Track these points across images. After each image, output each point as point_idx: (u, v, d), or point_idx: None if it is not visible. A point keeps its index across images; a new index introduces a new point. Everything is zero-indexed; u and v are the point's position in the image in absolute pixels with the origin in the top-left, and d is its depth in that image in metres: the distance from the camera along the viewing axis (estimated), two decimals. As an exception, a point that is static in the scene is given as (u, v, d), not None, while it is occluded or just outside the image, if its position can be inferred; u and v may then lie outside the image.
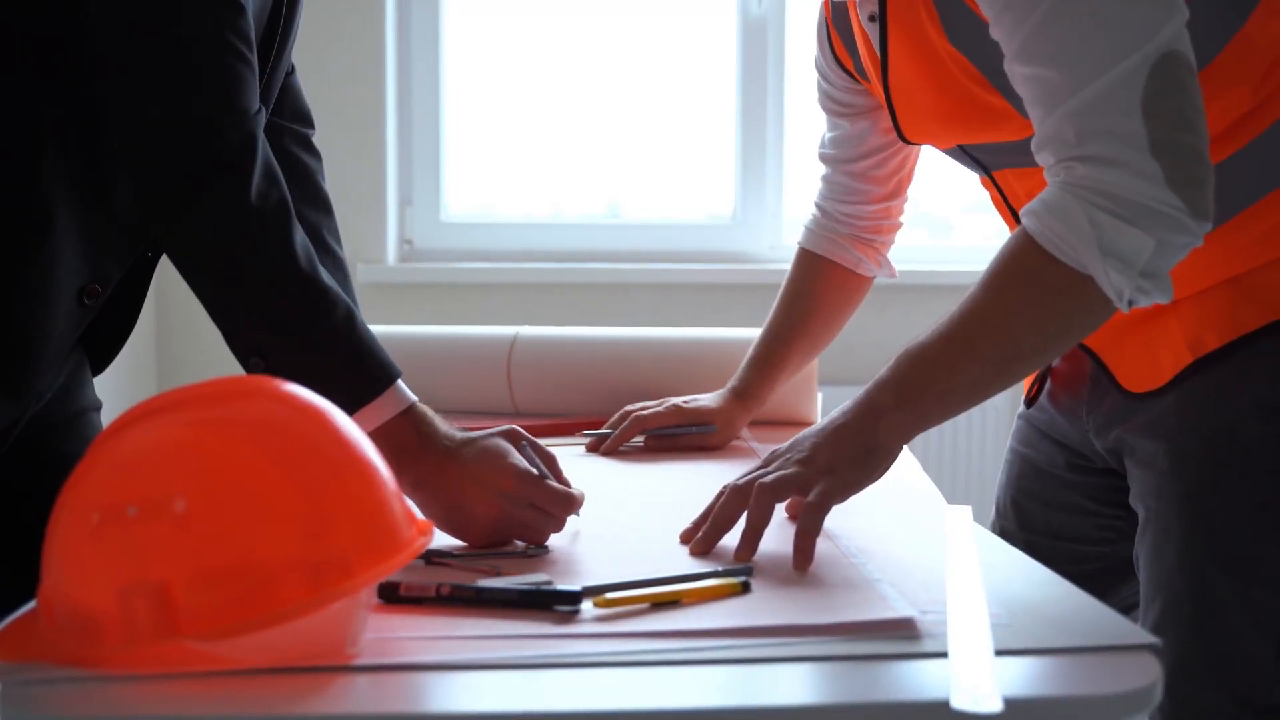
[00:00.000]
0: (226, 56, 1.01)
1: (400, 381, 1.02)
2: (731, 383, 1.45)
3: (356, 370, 1.00)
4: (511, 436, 1.04)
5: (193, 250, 1.02)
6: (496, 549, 0.99)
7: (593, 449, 1.40)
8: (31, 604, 0.79)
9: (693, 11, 2.74)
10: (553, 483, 1.02)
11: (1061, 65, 0.92)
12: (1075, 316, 0.95)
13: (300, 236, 1.03)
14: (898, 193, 1.44)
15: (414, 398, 1.02)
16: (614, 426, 1.42)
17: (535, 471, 1.01)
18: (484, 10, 2.74)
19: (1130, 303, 0.93)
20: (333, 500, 0.73)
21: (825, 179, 1.46)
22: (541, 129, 2.77)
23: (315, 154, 1.38)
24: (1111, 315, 0.95)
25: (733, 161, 2.73)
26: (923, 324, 2.02)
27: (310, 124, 1.39)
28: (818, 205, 1.47)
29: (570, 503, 1.01)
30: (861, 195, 1.43)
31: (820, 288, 1.46)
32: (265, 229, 1.01)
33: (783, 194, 2.72)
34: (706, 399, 1.44)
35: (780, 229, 2.72)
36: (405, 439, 1.00)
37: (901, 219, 1.47)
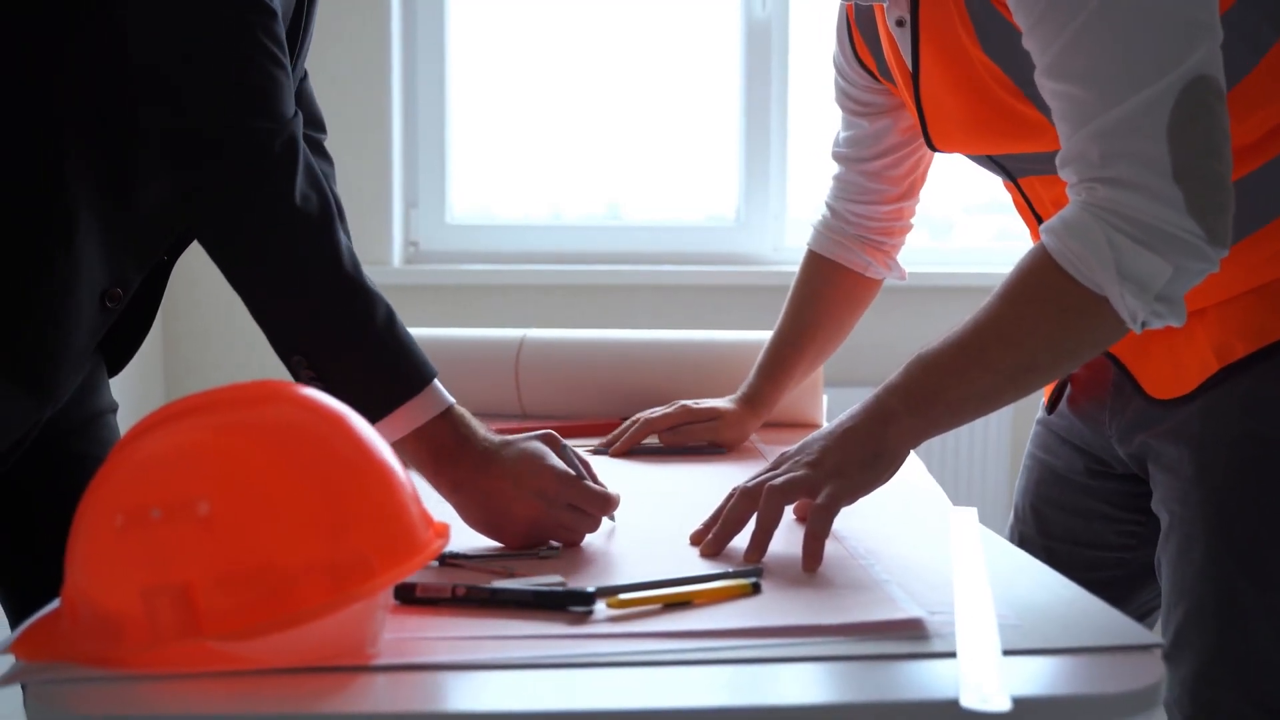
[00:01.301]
0: (263, 61, 1.02)
1: (437, 382, 1.03)
2: (741, 389, 1.46)
3: (396, 370, 1.01)
4: (549, 440, 1.05)
5: (238, 253, 1.04)
6: (531, 550, 1.00)
7: (602, 448, 1.41)
8: (54, 604, 0.80)
9: (697, 14, 2.75)
10: (591, 483, 1.04)
11: (1090, 84, 0.93)
12: (1088, 335, 0.96)
13: (344, 238, 1.04)
14: (910, 193, 1.44)
15: (451, 399, 1.03)
16: (625, 430, 1.43)
17: (574, 473, 1.03)
18: (489, 12, 2.75)
19: (1144, 325, 0.94)
20: (353, 503, 0.74)
21: (837, 178, 1.46)
22: (547, 131, 2.78)
23: (328, 159, 1.40)
24: (1124, 335, 0.96)
25: (736, 163, 2.74)
26: (924, 325, 2.03)
27: (323, 128, 1.40)
28: (828, 205, 1.47)
29: (608, 503, 1.04)
30: (875, 195, 1.42)
31: (828, 292, 1.46)
32: (311, 231, 1.02)
33: (786, 196, 2.73)
34: (718, 403, 1.45)
35: (784, 231, 2.73)
36: (444, 440, 1.01)
37: (912, 220, 1.47)
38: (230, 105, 1.02)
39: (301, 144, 1.04)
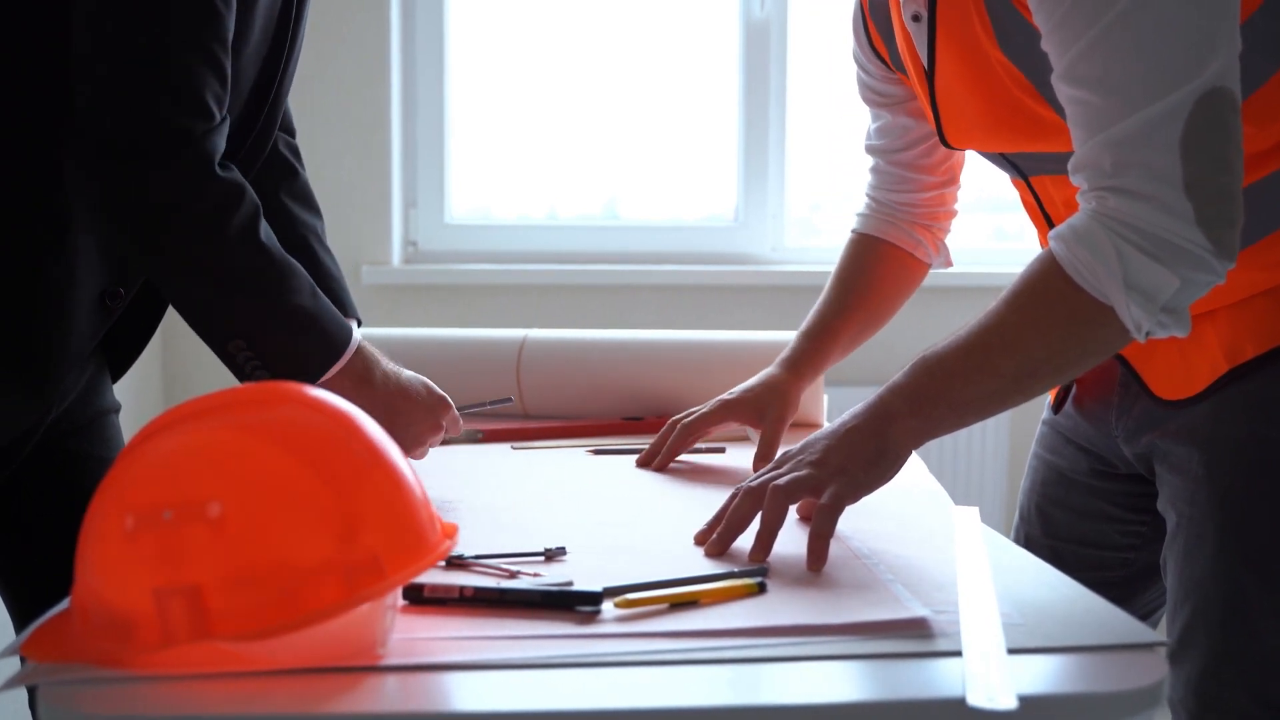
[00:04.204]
0: (198, 61, 1.04)
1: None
2: (783, 354, 1.39)
3: (327, 334, 1.13)
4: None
5: (172, 251, 1.07)
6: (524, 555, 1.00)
7: (643, 464, 1.33)
8: (63, 605, 0.81)
9: (695, 14, 2.76)
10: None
11: (1105, 92, 0.93)
12: (1092, 343, 0.96)
13: (265, 224, 1.09)
14: (951, 180, 1.40)
15: (359, 336, 1.18)
16: (663, 439, 1.34)
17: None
18: (489, 13, 2.75)
19: (1148, 335, 0.94)
20: (364, 503, 0.75)
21: (874, 170, 1.42)
22: (547, 131, 2.78)
23: (300, 159, 1.41)
24: (1129, 344, 0.96)
25: (735, 163, 2.74)
26: (920, 324, 2.02)
27: (293, 132, 1.41)
28: (869, 196, 1.43)
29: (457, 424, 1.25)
30: (913, 184, 1.39)
31: (877, 267, 1.42)
32: (243, 225, 1.07)
33: (785, 196, 2.73)
34: (754, 383, 1.37)
35: (782, 231, 2.73)
36: (360, 369, 1.16)
37: (957, 206, 1.43)
38: (158, 102, 1.03)
39: (222, 142, 1.07)
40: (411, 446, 1.21)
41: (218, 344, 1.09)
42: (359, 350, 1.16)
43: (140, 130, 1.03)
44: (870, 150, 1.42)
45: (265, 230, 1.09)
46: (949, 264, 1.45)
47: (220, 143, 1.07)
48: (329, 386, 1.13)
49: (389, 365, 1.20)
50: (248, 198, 1.08)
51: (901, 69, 1.27)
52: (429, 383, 1.23)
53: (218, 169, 1.06)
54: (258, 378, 1.10)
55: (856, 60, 1.36)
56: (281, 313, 1.10)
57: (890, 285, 1.43)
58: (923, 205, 1.40)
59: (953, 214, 1.44)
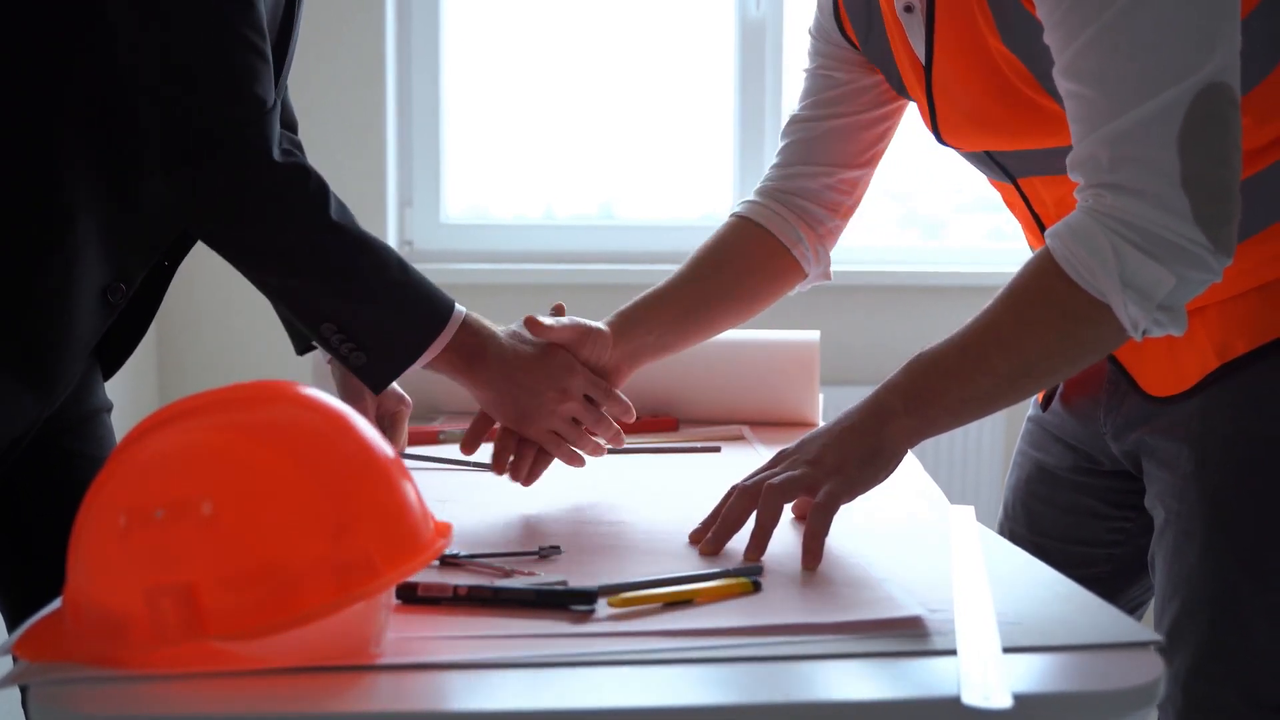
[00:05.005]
0: (244, 52, 1.04)
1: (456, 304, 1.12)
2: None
3: (420, 310, 1.09)
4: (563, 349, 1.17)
5: (241, 241, 1.07)
6: (531, 552, 0.99)
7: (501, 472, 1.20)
8: (55, 604, 0.80)
9: (691, 14, 2.76)
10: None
11: (1104, 88, 0.93)
12: (1089, 342, 0.96)
13: (337, 203, 1.08)
14: (871, 163, 1.32)
15: (464, 308, 1.12)
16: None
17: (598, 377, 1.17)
18: (484, 11, 2.75)
19: (1144, 333, 0.94)
20: (357, 502, 0.74)
21: (786, 148, 1.34)
22: (542, 130, 2.78)
23: (302, 154, 1.41)
24: (1125, 342, 0.96)
25: (731, 163, 2.74)
26: (916, 325, 2.00)
27: (295, 127, 1.41)
28: (764, 182, 1.35)
29: (628, 410, 1.19)
30: (829, 157, 1.30)
31: (736, 244, 1.32)
32: (305, 204, 1.06)
33: (780, 195, 2.73)
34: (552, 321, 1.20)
35: (778, 230, 2.73)
36: (471, 344, 1.11)
37: (855, 211, 1.34)
38: (211, 97, 1.04)
39: (277, 127, 1.07)
40: (545, 417, 1.14)
41: (311, 329, 1.08)
42: (466, 324, 1.10)
43: (195, 131, 1.04)
44: (797, 120, 1.33)
45: (336, 208, 1.07)
46: (827, 277, 1.35)
47: (274, 129, 1.06)
48: (438, 365, 1.10)
49: (507, 340, 1.13)
50: (312, 178, 1.07)
51: (871, 58, 1.24)
52: (570, 359, 1.15)
53: (276, 154, 1.05)
54: (355, 360, 1.07)
55: (815, 32, 1.30)
56: (364, 291, 1.06)
57: (744, 265, 1.32)
58: (821, 191, 1.31)
59: (851, 210, 1.34)
